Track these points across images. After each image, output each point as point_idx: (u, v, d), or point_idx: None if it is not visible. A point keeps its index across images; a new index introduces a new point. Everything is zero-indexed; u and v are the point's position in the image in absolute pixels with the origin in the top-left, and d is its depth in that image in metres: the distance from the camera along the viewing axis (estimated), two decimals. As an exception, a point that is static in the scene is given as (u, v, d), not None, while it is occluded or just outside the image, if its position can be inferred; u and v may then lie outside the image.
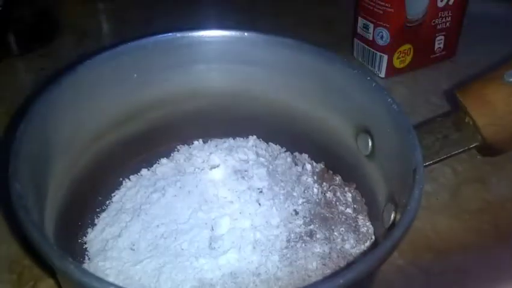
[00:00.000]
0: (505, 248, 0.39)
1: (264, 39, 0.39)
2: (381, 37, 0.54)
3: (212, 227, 0.36)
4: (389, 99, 0.32)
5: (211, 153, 0.41)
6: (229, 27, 0.40)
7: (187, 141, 0.43)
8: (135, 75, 0.38)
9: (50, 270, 0.35)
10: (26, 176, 0.29)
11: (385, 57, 0.55)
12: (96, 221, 0.37)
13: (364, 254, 0.34)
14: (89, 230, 0.37)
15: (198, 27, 0.40)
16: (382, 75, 0.56)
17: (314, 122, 0.40)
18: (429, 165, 0.35)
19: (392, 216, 0.31)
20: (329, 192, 0.39)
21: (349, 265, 0.33)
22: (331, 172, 0.40)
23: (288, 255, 0.34)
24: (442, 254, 0.38)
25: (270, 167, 0.40)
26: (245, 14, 0.70)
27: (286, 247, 0.35)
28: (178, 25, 0.65)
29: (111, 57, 0.37)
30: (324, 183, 0.39)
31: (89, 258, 0.35)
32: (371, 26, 0.54)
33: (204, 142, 0.43)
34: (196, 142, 0.43)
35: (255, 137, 0.43)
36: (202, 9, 0.71)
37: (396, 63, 0.55)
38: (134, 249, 0.35)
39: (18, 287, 0.36)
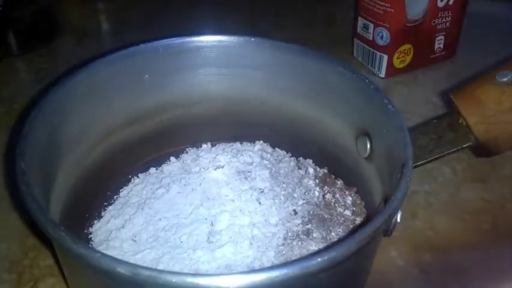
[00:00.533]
0: (504, 247, 0.39)
1: (270, 45, 0.40)
2: (381, 37, 0.54)
3: (212, 223, 0.36)
4: (386, 100, 0.33)
5: (217, 155, 0.42)
6: (236, 33, 0.41)
7: (196, 144, 0.44)
8: (146, 75, 0.40)
9: (52, 252, 0.37)
10: (33, 161, 0.30)
11: (385, 57, 0.55)
12: (103, 213, 0.39)
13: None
14: (95, 221, 0.38)
15: (207, 31, 0.41)
16: (382, 75, 0.56)
17: (317, 126, 0.41)
18: (422, 164, 0.36)
19: None
20: (328, 194, 0.39)
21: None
22: (333, 176, 0.41)
23: (283, 252, 0.34)
24: (442, 253, 0.38)
25: (273, 169, 0.41)
26: (245, 14, 0.70)
27: (283, 244, 0.35)
28: (178, 25, 0.66)
29: (123, 56, 0.38)
30: (326, 187, 0.40)
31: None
32: (371, 26, 0.54)
33: (212, 145, 0.44)
34: (204, 145, 0.44)
35: (261, 141, 0.44)
36: (202, 9, 0.71)
37: (396, 63, 0.55)
38: (135, 240, 0.35)
39: (18, 287, 0.36)
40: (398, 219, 0.30)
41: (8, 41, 0.58)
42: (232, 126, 0.44)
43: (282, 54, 0.40)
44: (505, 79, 0.35)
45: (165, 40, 0.39)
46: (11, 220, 0.40)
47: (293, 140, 0.43)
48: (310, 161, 0.42)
